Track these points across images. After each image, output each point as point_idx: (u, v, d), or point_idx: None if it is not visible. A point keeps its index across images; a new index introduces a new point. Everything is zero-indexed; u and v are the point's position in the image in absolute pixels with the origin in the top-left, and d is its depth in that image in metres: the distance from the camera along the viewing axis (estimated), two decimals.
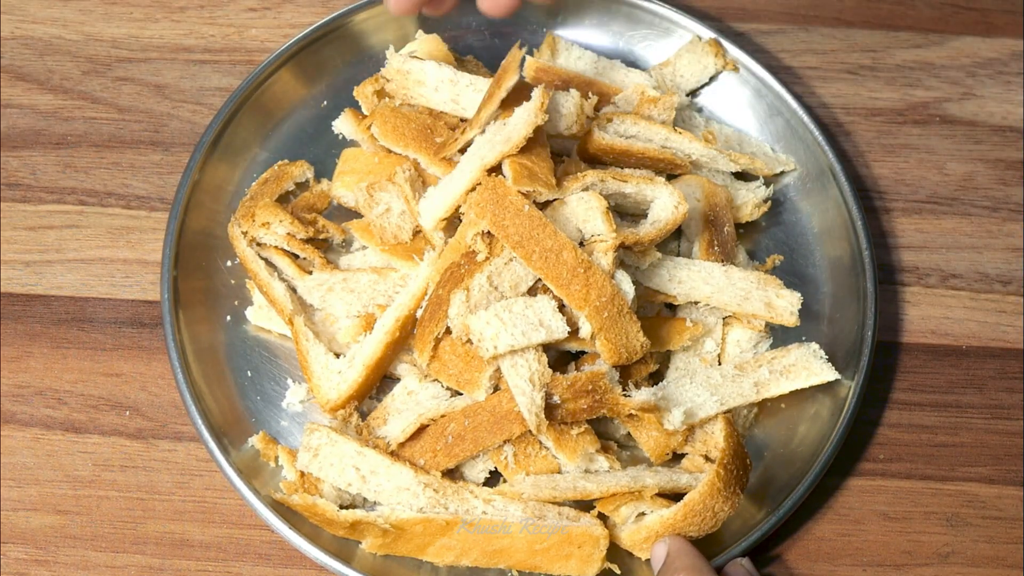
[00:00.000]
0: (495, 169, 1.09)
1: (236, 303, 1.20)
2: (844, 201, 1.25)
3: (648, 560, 1.08)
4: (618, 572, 1.07)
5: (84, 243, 1.26)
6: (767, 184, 1.28)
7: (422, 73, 1.17)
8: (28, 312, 1.22)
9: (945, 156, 1.38)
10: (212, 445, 1.10)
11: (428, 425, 1.09)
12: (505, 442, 1.09)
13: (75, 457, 1.16)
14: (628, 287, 1.08)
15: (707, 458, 1.13)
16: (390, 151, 1.20)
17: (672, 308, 1.21)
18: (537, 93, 1.07)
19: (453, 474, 1.11)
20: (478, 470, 1.11)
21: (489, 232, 1.07)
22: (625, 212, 1.19)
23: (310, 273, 1.18)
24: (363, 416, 1.14)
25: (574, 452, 1.07)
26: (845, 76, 1.42)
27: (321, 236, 1.21)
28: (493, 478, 1.12)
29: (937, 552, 1.17)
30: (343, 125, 1.24)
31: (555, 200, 1.10)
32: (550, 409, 1.06)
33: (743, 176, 1.29)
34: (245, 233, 1.19)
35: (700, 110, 1.34)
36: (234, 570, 1.12)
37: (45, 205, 1.28)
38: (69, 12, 1.40)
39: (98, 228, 1.27)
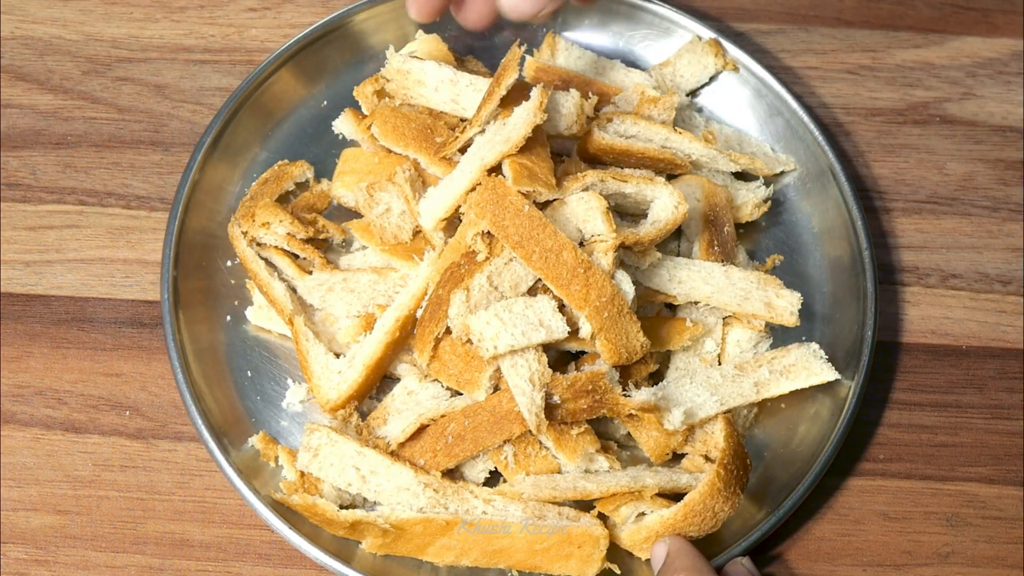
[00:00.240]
0: (495, 169, 1.09)
1: (236, 303, 1.20)
2: (844, 201, 1.25)
3: (648, 560, 1.08)
4: (618, 572, 1.07)
5: (84, 243, 1.26)
6: (767, 184, 1.28)
7: (422, 73, 1.17)
8: (28, 312, 1.22)
9: (945, 156, 1.38)
10: (212, 445, 1.10)
11: (428, 425, 1.09)
12: (505, 442, 1.08)
13: (75, 457, 1.16)
14: (628, 287, 1.08)
15: (707, 458, 1.13)
16: (390, 151, 1.20)
17: (672, 308, 1.21)
18: (536, 92, 1.07)
19: (453, 474, 1.11)
20: (478, 470, 1.11)
21: (489, 232, 1.07)
22: (625, 212, 1.19)
23: (310, 273, 1.18)
24: (363, 416, 1.14)
25: (574, 452, 1.07)
26: (845, 76, 1.42)
27: (321, 236, 1.21)
28: (493, 478, 1.12)
29: (937, 552, 1.17)
30: (343, 125, 1.24)
31: (555, 200, 1.10)
32: (550, 409, 1.05)
33: (743, 176, 1.29)
34: (245, 233, 1.19)
35: (700, 110, 1.34)
36: (234, 570, 1.12)
37: (45, 205, 1.28)
38: (69, 12, 1.40)
39: (98, 228, 1.27)
